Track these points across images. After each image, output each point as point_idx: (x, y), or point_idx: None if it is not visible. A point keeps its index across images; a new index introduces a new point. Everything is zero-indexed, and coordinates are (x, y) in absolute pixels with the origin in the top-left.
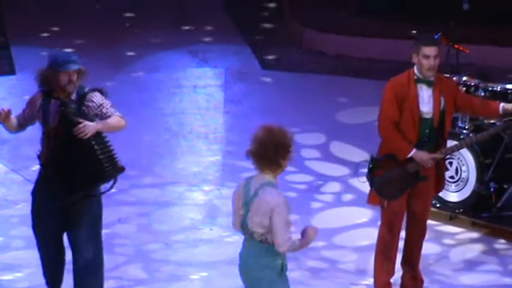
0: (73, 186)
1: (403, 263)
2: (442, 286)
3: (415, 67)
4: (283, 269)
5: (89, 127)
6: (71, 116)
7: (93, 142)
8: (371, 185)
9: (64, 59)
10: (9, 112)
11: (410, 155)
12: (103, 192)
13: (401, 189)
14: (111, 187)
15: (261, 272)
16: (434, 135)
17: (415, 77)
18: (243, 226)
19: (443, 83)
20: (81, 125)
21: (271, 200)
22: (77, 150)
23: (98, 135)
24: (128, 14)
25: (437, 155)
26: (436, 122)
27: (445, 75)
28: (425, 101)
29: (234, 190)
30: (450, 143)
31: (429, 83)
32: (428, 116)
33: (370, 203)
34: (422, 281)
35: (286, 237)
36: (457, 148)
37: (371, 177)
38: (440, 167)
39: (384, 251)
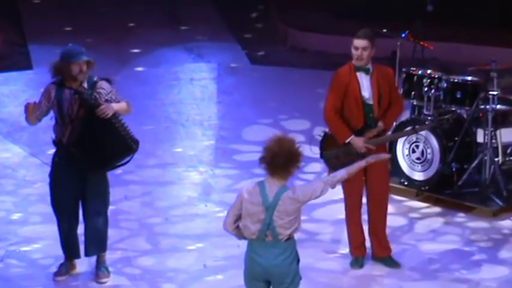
0: (100, 161)
1: (370, 234)
2: (409, 254)
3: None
4: (299, 259)
5: (110, 107)
6: (91, 100)
7: (113, 121)
8: (321, 155)
9: (75, 52)
10: (35, 105)
11: (347, 141)
12: (123, 164)
13: (345, 164)
14: (130, 159)
15: (289, 267)
16: (377, 121)
17: (354, 66)
18: (267, 228)
19: (380, 71)
20: (103, 106)
21: (292, 202)
22: (101, 130)
23: (115, 115)
24: (131, 16)
25: (369, 144)
26: (376, 108)
27: (412, 68)
28: (365, 87)
29: (241, 193)
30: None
31: (366, 71)
32: (370, 102)
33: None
34: (390, 249)
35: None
36: (384, 140)
37: (322, 148)
38: (385, 151)
39: (350, 221)
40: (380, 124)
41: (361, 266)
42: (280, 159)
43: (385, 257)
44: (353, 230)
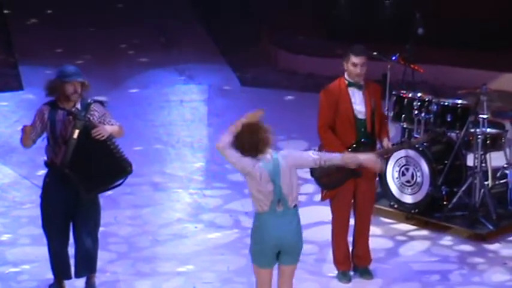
0: (93, 183)
1: (352, 247)
2: (397, 276)
3: (345, 73)
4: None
5: (105, 129)
6: (85, 122)
7: (108, 143)
8: (311, 174)
9: (71, 71)
10: (31, 128)
11: None
12: (116, 186)
13: (338, 181)
14: (123, 181)
15: (299, 234)
16: (370, 136)
17: (346, 82)
18: (277, 199)
19: (371, 87)
20: (98, 127)
21: (286, 160)
22: (95, 151)
23: (109, 137)
24: (122, 38)
25: None
26: (369, 123)
27: (402, 91)
28: (358, 102)
29: (249, 168)
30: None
31: (359, 87)
32: (362, 116)
33: (324, 200)
34: (368, 261)
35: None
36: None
37: (312, 168)
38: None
39: (337, 237)
40: (386, 142)
41: (349, 280)
42: (252, 146)
43: (361, 267)
44: (338, 244)
